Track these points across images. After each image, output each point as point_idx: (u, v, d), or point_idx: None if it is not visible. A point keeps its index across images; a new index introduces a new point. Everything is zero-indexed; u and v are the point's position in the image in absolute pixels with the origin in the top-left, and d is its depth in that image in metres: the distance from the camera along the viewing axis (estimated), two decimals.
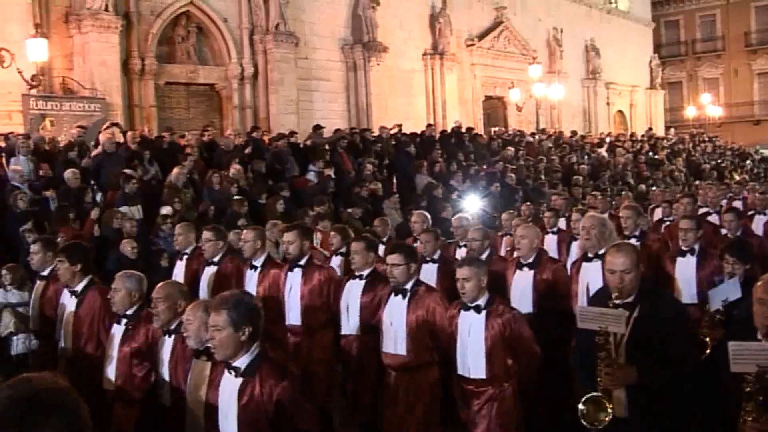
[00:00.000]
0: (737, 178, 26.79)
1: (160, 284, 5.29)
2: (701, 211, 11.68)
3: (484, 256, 7.34)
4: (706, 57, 47.11)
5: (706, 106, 42.19)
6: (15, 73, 15.29)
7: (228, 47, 20.64)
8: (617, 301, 4.30)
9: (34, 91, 15.87)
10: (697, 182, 23.24)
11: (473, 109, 28.84)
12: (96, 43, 17.28)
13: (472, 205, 13.98)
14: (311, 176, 15.33)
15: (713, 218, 11.20)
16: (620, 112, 38.50)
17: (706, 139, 34.63)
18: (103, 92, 17.18)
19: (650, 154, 27.52)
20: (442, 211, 13.56)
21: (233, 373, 3.92)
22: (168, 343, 5.10)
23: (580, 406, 4.10)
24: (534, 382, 5.47)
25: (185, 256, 8.04)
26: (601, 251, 6.28)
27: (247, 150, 15.67)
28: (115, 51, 17.68)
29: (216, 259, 7.58)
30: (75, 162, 13.00)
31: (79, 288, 6.23)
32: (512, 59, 30.52)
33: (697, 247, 7.17)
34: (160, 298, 5.12)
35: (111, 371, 5.46)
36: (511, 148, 21.45)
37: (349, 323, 6.49)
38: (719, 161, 30.00)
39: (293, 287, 6.82)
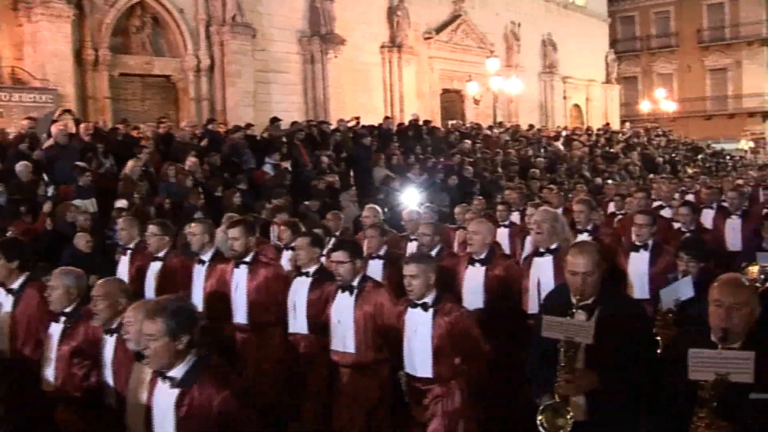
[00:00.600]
0: (690, 171, 27.29)
1: (99, 281, 5.08)
2: (654, 205, 11.64)
3: (434, 252, 7.23)
4: (660, 53, 47.87)
5: (661, 101, 42.79)
6: None
7: (184, 39, 20.41)
8: (578, 304, 4.22)
9: None
10: (652, 176, 23.57)
11: (431, 103, 28.91)
12: (47, 33, 16.96)
13: (410, 199, 13.84)
14: (268, 169, 15.24)
15: (666, 212, 11.19)
16: (576, 106, 38.90)
17: (661, 133, 35.19)
18: (55, 83, 16.86)
19: (606, 147, 27.85)
20: (400, 203, 13.59)
21: (168, 383, 3.71)
22: (110, 342, 4.91)
23: (539, 417, 3.97)
24: (483, 381, 5.32)
25: (129, 251, 7.77)
26: (553, 246, 6.28)
27: (204, 142, 15.52)
28: (68, 41, 17.37)
29: (161, 255, 7.33)
30: (26, 154, 12.73)
31: (15, 286, 5.88)
32: (470, 53, 30.64)
33: (650, 242, 7.09)
34: (100, 296, 4.90)
35: (50, 372, 5.26)
36: (469, 141, 21.53)
37: (297, 322, 6.28)
38: (673, 155, 30.50)
39: (239, 284, 6.63)
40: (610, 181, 19.76)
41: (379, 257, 7.55)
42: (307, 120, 21.08)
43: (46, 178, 12.25)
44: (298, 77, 23.72)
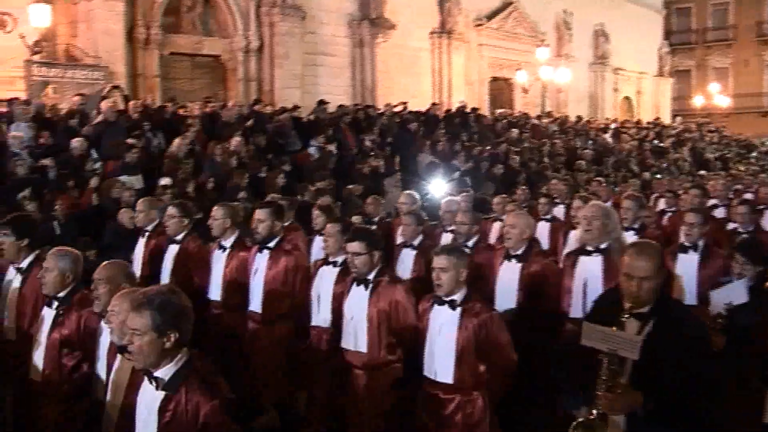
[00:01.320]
0: (742, 169, 26.68)
1: (102, 264, 4.77)
2: (709, 203, 10.93)
3: (471, 243, 6.91)
4: (716, 46, 46.78)
5: (714, 95, 41.96)
6: (17, 38, 15.15)
7: (234, 19, 20.48)
8: (630, 311, 3.79)
9: (36, 57, 15.75)
10: (702, 172, 23.10)
11: (479, 90, 28.69)
12: (101, 11, 17.16)
13: (437, 189, 13.56)
14: (313, 151, 15.26)
15: (720, 212, 10.55)
16: (627, 98, 38.31)
17: (713, 129, 34.47)
18: (106, 61, 17.06)
19: (655, 141, 27.39)
20: (427, 193, 13.55)
21: (154, 384, 3.41)
22: (107, 331, 4.50)
23: None
24: (506, 390, 4.92)
25: (147, 233, 7.49)
26: (603, 245, 5.79)
27: (249, 123, 15.58)
28: (120, 19, 17.55)
29: (179, 238, 7.03)
30: (76, 130, 12.93)
31: (24, 264, 5.66)
32: (520, 41, 30.32)
33: (701, 243, 6.64)
34: (101, 279, 4.59)
35: (39, 358, 4.95)
36: (516, 130, 21.34)
37: (320, 314, 5.90)
38: (725, 152, 29.86)
39: (259, 270, 6.37)
40: (659, 176, 19.40)
41: (412, 247, 7.28)
42: (353, 104, 21.08)
43: (94, 153, 12.41)
44: (346, 61, 23.70)
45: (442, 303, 4.78)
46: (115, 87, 15.69)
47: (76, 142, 12.09)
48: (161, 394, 3.38)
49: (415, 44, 25.99)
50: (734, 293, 5.05)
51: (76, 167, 11.74)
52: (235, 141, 13.80)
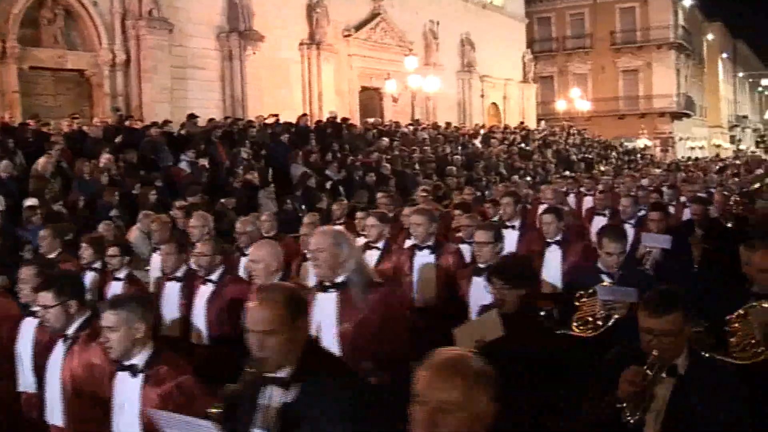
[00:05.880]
0: (603, 169, 28.14)
1: None
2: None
3: (215, 276, 5.91)
4: (575, 53, 49.17)
5: (575, 100, 43.94)
6: None
7: (98, 32, 19.96)
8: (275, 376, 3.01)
9: None
10: (567, 173, 24.20)
11: (349, 100, 28.98)
12: None
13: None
14: (184, 166, 15.12)
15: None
16: (494, 104, 39.51)
17: (575, 132, 36.12)
18: None
19: (522, 145, 28.46)
20: (317, 201, 13.67)
21: None
22: None
23: None
24: None
25: None
26: (338, 279, 4.51)
27: (118, 139, 15.29)
28: None
29: None
30: None
31: None
32: (389, 51, 30.84)
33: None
34: None
35: None
36: (386, 139, 21.74)
37: (25, 377, 4.96)
38: (586, 153, 31.38)
39: None
40: (528, 178, 20.16)
41: (176, 279, 6.27)
42: (224, 117, 20.95)
43: None
44: (216, 74, 23.49)
45: (123, 368, 3.86)
46: None
47: None
48: None
49: (285, 56, 26.04)
50: (485, 328, 4.22)
51: None
52: (105, 158, 13.53)
